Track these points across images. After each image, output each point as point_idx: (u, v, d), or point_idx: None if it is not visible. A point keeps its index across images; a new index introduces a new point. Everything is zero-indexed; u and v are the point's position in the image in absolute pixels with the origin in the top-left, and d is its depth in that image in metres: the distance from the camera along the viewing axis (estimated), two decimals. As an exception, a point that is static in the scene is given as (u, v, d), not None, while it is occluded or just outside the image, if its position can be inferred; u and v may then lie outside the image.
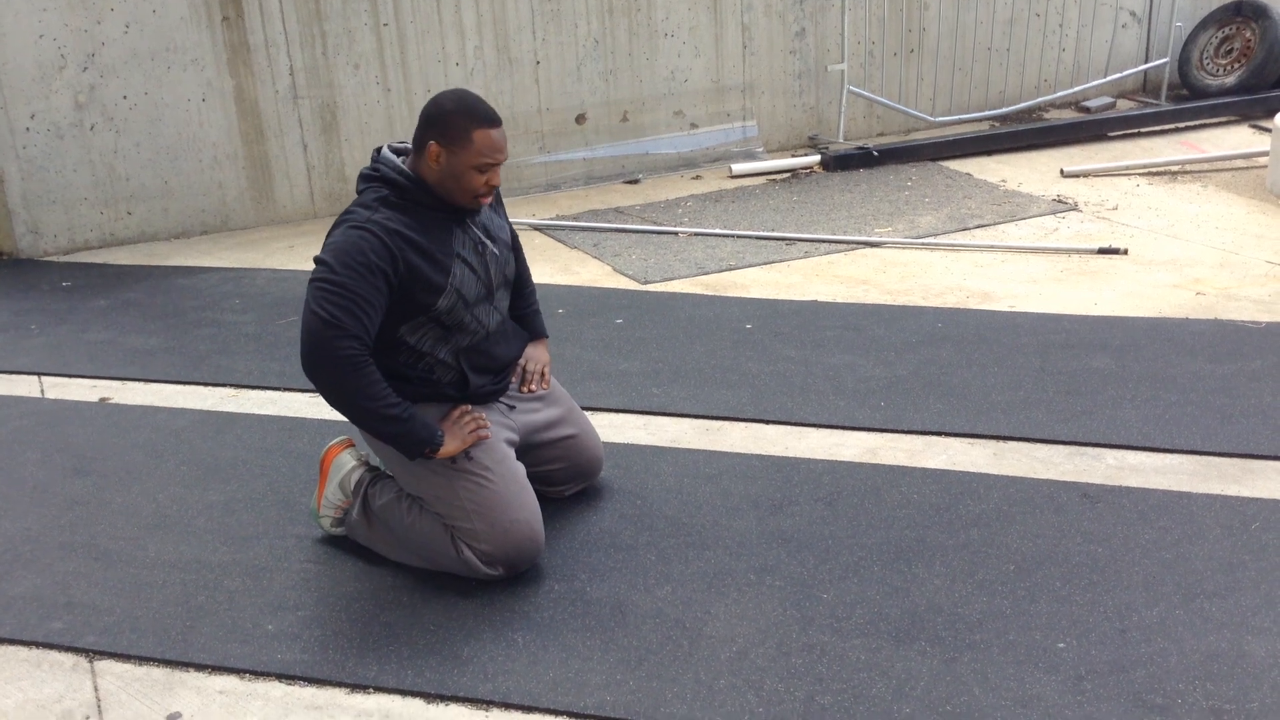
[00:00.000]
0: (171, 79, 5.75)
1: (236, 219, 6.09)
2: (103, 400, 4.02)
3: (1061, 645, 2.50)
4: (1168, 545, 2.86)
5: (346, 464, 2.99)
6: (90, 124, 5.66)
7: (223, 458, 3.52)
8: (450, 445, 2.73)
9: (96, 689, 2.52)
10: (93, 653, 2.63)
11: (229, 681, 2.52)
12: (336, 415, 3.79)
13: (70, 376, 4.24)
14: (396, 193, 2.70)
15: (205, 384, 4.11)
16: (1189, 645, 2.48)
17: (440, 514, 2.79)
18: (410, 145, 2.79)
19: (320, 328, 2.56)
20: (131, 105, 5.71)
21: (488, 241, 2.85)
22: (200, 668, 2.57)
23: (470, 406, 2.84)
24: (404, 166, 2.73)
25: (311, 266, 2.68)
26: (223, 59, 5.82)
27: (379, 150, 2.79)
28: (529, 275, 3.20)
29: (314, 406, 3.89)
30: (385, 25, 6.10)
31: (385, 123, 6.24)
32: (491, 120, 2.67)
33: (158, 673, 2.56)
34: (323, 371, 2.60)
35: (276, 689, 2.50)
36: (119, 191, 5.81)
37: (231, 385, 4.09)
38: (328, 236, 2.70)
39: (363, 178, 2.76)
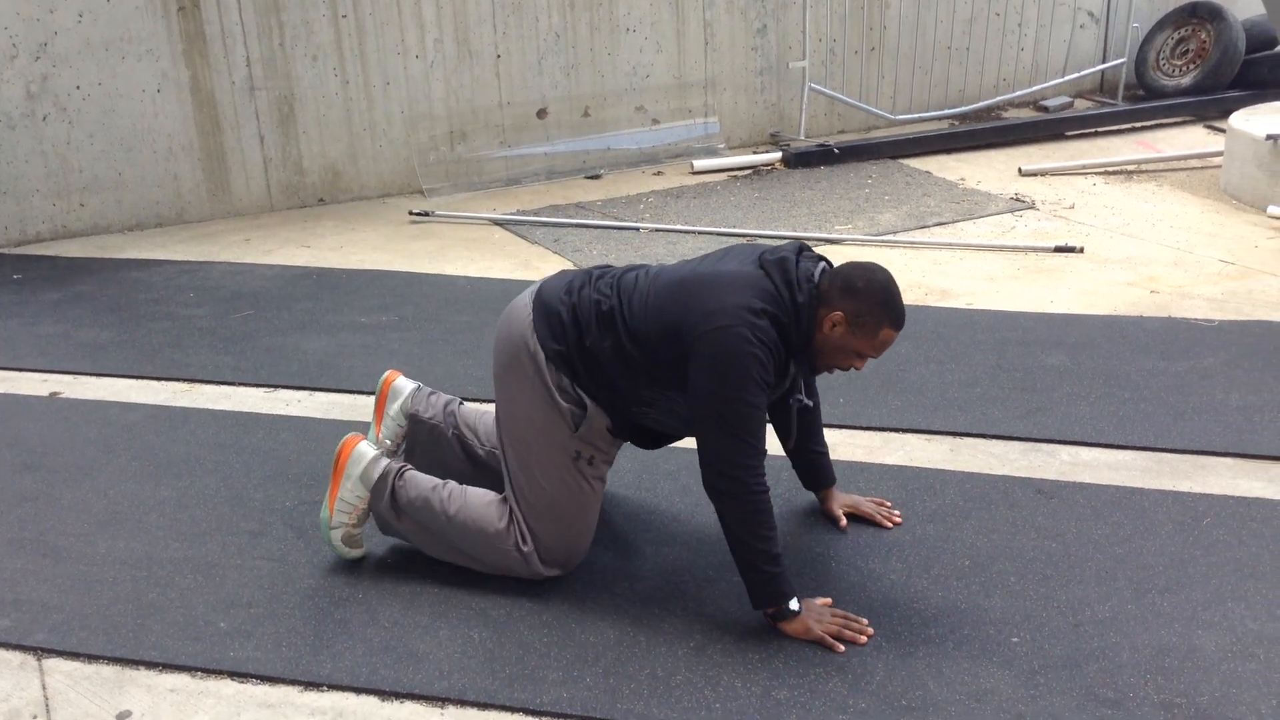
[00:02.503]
0: (126, 69, 5.67)
1: (191, 211, 6.01)
2: (53, 394, 3.96)
3: (1015, 640, 2.52)
4: (1120, 540, 2.89)
5: (366, 455, 2.79)
6: (43, 114, 5.58)
7: (175, 453, 3.48)
8: (800, 624, 2.53)
9: (45, 687, 2.48)
10: (41, 651, 2.59)
11: (180, 680, 2.49)
12: (292, 410, 3.76)
13: (20, 370, 4.16)
14: (790, 318, 2.52)
15: (158, 378, 4.06)
16: (1141, 640, 2.51)
17: (521, 504, 2.68)
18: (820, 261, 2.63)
19: (752, 456, 2.46)
20: (85, 95, 5.63)
21: (804, 396, 2.74)
22: (151, 666, 2.53)
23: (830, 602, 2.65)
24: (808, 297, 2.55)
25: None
26: (178, 49, 5.75)
27: (823, 264, 2.59)
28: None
29: (269, 402, 3.85)
30: (344, 17, 6.04)
31: (344, 115, 6.19)
32: (902, 323, 2.56)
33: (107, 671, 2.52)
34: (740, 501, 2.47)
35: (229, 687, 2.47)
36: (72, 183, 5.73)
37: (185, 380, 4.04)
38: (709, 294, 2.49)
39: (782, 271, 2.53)
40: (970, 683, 2.39)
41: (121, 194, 5.84)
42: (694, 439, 2.56)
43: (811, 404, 2.84)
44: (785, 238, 5.44)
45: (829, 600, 2.63)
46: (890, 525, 2.98)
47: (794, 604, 2.53)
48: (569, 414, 2.64)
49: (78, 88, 5.60)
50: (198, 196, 6.00)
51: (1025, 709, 2.31)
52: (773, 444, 2.66)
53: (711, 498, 2.53)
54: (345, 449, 2.81)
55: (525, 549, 2.70)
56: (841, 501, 3.02)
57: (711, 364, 2.46)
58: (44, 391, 3.99)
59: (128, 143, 5.77)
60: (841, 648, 2.50)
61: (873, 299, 2.52)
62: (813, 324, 2.55)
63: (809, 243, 5.31)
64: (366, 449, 2.82)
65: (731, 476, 2.47)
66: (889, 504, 3.06)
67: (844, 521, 2.98)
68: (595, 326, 2.60)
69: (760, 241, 5.38)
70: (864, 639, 2.53)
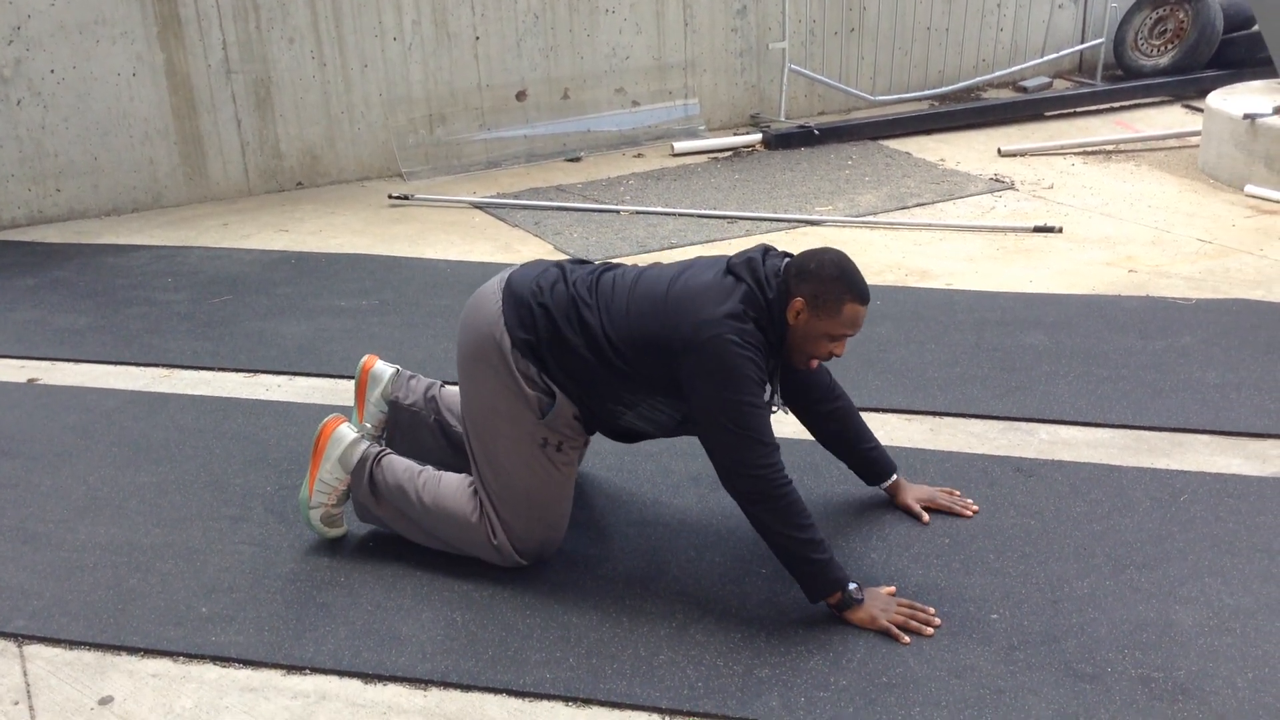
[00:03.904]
0: (100, 52, 5.62)
1: (168, 196, 5.97)
2: (31, 381, 3.94)
3: (994, 616, 2.54)
4: (1098, 517, 2.91)
5: (346, 437, 2.80)
6: (17, 99, 5.52)
7: (155, 439, 3.46)
8: (865, 612, 2.52)
9: (25, 673, 2.47)
10: (22, 637, 2.58)
11: (162, 665, 2.49)
12: (272, 395, 3.75)
13: (-3, 357, 4.14)
14: (765, 317, 2.54)
15: (136, 364, 4.03)
16: (1118, 615, 2.53)
17: (491, 496, 2.68)
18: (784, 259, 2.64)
19: (768, 454, 2.47)
20: (59, 79, 5.58)
21: (779, 406, 2.70)
22: (133, 651, 2.52)
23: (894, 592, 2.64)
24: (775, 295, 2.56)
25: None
26: (153, 32, 5.70)
27: (784, 259, 2.61)
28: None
29: (248, 387, 3.84)
30: (321, -1, 6.00)
31: (321, 98, 6.15)
32: (865, 296, 2.55)
33: (89, 656, 2.52)
34: (770, 500, 2.48)
35: (211, 671, 2.46)
36: (47, 168, 5.68)
37: (163, 365, 4.02)
38: (693, 307, 2.49)
39: (751, 272, 2.55)
40: (950, 659, 2.41)
41: (98, 179, 5.79)
42: (706, 452, 2.56)
43: (786, 410, 2.81)
44: (765, 219, 5.44)
45: (893, 589, 2.62)
46: (969, 514, 2.95)
47: (854, 589, 2.52)
48: (536, 401, 2.62)
49: (52, 71, 5.55)
50: (174, 181, 5.96)
51: (1004, 684, 2.33)
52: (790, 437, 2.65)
53: (740, 504, 2.53)
54: (325, 430, 2.82)
55: (496, 541, 2.70)
56: (916, 495, 2.99)
57: (709, 374, 2.47)
58: (21, 378, 3.97)
59: (103, 127, 5.72)
60: (907, 639, 2.47)
61: (826, 276, 2.53)
62: (784, 318, 2.57)
63: (789, 224, 5.34)
64: (346, 431, 2.82)
65: (753, 478, 2.48)
66: (958, 493, 3.02)
67: (925, 516, 2.93)
68: (575, 329, 2.60)
69: (740, 223, 5.39)
70: (930, 630, 2.49)
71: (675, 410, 2.64)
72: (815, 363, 2.64)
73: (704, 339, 2.46)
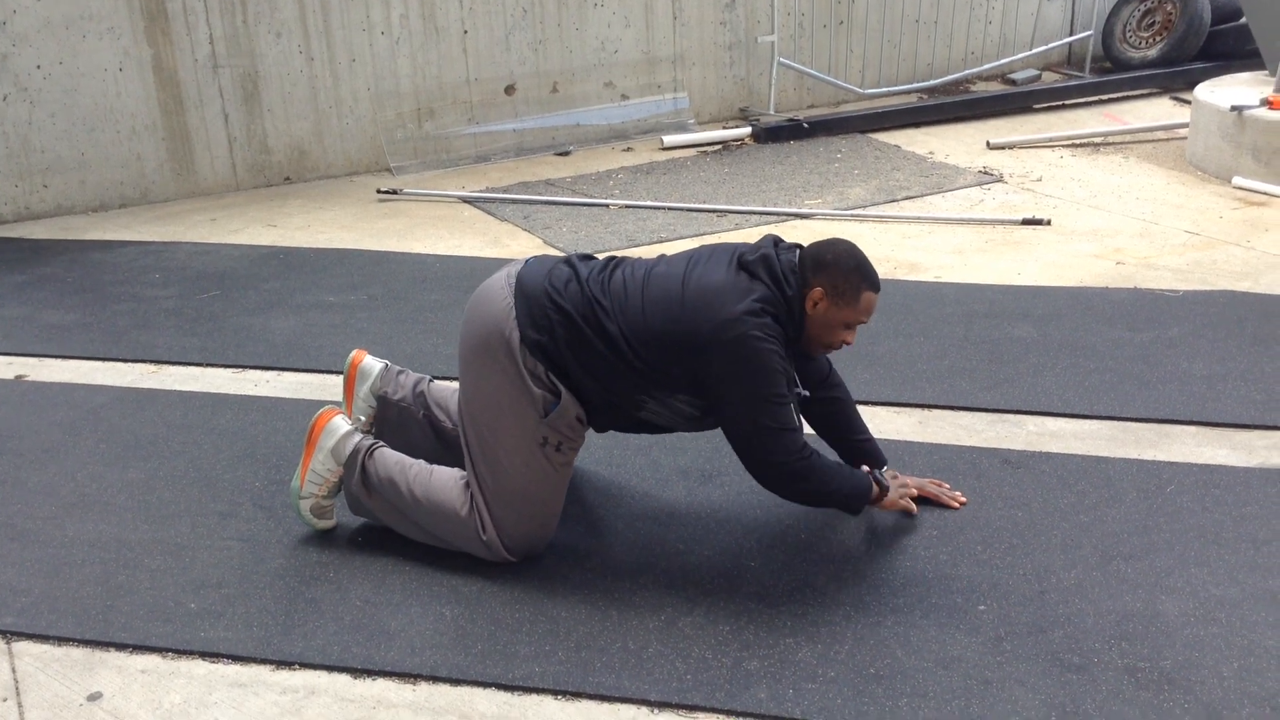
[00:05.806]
0: (87, 48, 5.60)
1: (156, 192, 5.95)
2: (19, 378, 3.93)
3: (982, 607, 2.55)
4: (1086, 509, 2.92)
5: (339, 429, 2.82)
6: (3, 94, 5.50)
7: (143, 435, 3.46)
8: (889, 497, 2.87)
9: (14, 670, 2.47)
10: (10, 634, 2.58)
11: (151, 660, 2.48)
12: (261, 391, 3.75)
13: (-16, 353, 4.13)
14: (785, 312, 2.58)
15: (124, 360, 4.03)
16: (1105, 606, 2.54)
17: (484, 491, 2.68)
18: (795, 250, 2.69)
19: (794, 445, 2.59)
20: (45, 75, 5.55)
21: (800, 387, 2.72)
22: (121, 647, 2.52)
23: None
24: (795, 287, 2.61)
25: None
26: (140, 27, 5.68)
27: (796, 252, 2.66)
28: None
29: (237, 382, 3.83)
30: (308, -7, 5.98)
31: (309, 93, 6.13)
32: (878, 284, 2.65)
33: (77, 653, 2.51)
34: (800, 480, 2.65)
35: (200, 667, 2.46)
36: (34, 164, 5.66)
37: (151, 361, 4.01)
38: (712, 306, 2.52)
39: (768, 269, 2.59)
40: (938, 650, 2.42)
41: (85, 174, 5.77)
42: (732, 445, 2.64)
43: (809, 394, 2.82)
44: (755, 213, 5.45)
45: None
46: (956, 506, 2.96)
47: (879, 475, 2.84)
48: (541, 400, 2.63)
49: (38, 67, 5.53)
50: (162, 176, 5.94)
51: (992, 675, 2.34)
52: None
53: (771, 489, 2.67)
54: (320, 421, 2.83)
55: (485, 537, 2.70)
56: (921, 486, 2.99)
57: (736, 373, 2.52)
58: (9, 375, 3.95)
59: (90, 122, 5.70)
60: (915, 509, 2.90)
61: (844, 266, 2.60)
62: (803, 311, 2.61)
63: (779, 217, 5.35)
64: (340, 423, 2.83)
65: (783, 468, 2.60)
66: (947, 485, 3.03)
67: (914, 508, 2.93)
68: (594, 330, 2.60)
69: (730, 217, 5.39)
70: (955, 505, 2.93)
71: (695, 406, 2.66)
72: (828, 353, 2.72)
73: (728, 338, 2.50)
